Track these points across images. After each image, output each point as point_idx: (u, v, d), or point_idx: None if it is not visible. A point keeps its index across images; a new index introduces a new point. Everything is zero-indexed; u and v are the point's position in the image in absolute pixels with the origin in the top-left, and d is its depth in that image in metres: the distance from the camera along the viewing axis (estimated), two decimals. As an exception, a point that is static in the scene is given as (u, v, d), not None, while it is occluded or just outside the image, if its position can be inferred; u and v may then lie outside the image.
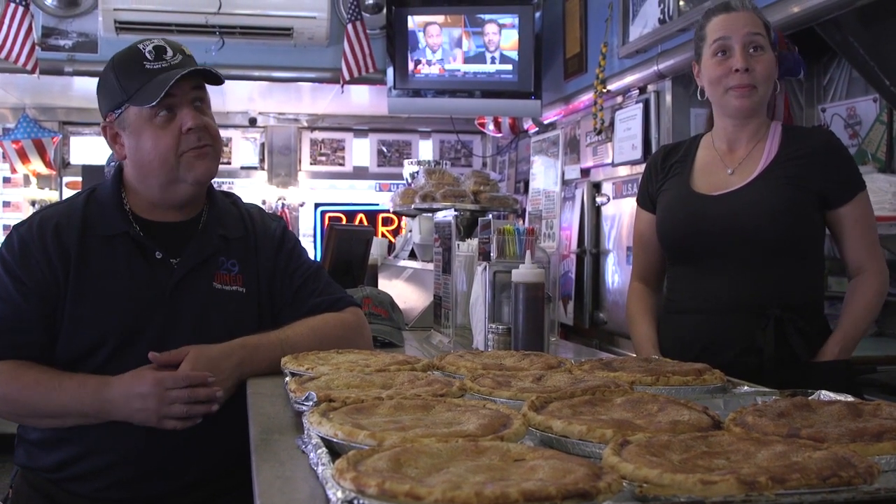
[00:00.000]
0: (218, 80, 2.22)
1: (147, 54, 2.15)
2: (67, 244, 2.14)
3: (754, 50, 2.39)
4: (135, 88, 2.13)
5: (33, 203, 7.15)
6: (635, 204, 2.76)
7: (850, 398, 1.53)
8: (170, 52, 2.17)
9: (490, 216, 2.71)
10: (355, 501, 0.96)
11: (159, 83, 2.11)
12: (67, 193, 7.26)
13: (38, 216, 2.23)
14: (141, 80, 2.13)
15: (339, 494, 0.98)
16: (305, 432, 1.33)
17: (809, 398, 1.54)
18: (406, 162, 5.30)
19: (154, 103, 2.10)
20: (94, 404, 2.03)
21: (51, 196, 7.22)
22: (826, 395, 1.59)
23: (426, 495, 0.93)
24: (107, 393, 2.01)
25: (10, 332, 2.10)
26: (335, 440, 1.25)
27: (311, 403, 1.49)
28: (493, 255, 2.50)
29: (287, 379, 1.81)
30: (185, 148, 2.16)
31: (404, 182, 5.35)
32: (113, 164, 2.35)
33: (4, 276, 2.13)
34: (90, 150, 7.38)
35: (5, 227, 7.19)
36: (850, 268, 2.45)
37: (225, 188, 6.00)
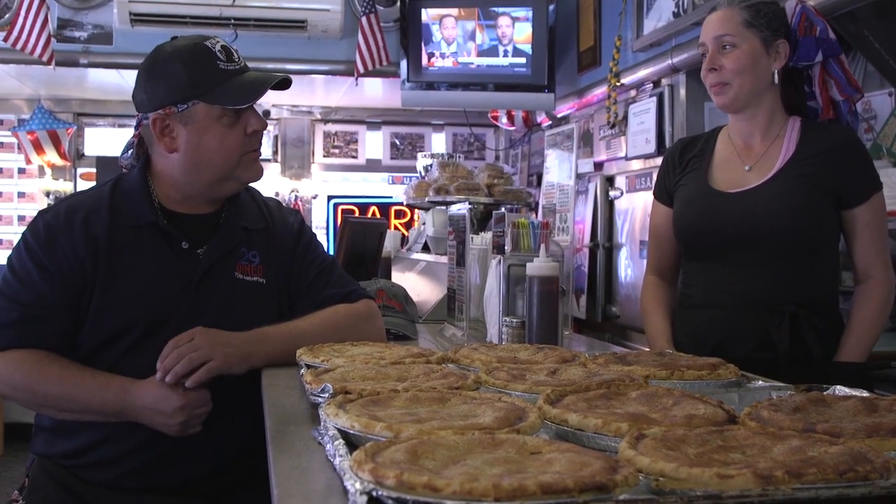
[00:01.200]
0: (288, 86, 2.31)
1: (218, 53, 2.18)
2: (96, 233, 2.16)
3: (723, 49, 2.45)
4: (210, 86, 2.15)
5: (48, 193, 7.18)
6: (649, 198, 2.76)
7: (865, 393, 1.53)
8: (235, 55, 2.23)
9: (504, 209, 2.71)
10: (373, 493, 0.96)
11: (246, 86, 2.18)
12: (81, 184, 7.29)
13: (66, 204, 2.24)
14: (216, 79, 2.16)
15: (358, 486, 0.98)
16: (322, 424, 1.34)
17: (825, 393, 1.54)
18: (419, 155, 5.31)
19: (243, 106, 2.18)
20: (115, 406, 2.07)
21: (65, 187, 7.25)
22: (841, 390, 1.58)
23: (444, 487, 0.94)
24: (130, 399, 2.05)
25: (33, 319, 2.11)
26: (352, 432, 1.26)
27: (327, 395, 1.50)
28: (508, 248, 2.51)
29: (302, 371, 1.82)
30: (247, 149, 2.23)
31: (417, 175, 5.36)
32: (129, 154, 2.35)
33: (29, 262, 2.14)
34: (104, 141, 7.41)
35: (20, 217, 7.23)
36: (857, 271, 2.45)
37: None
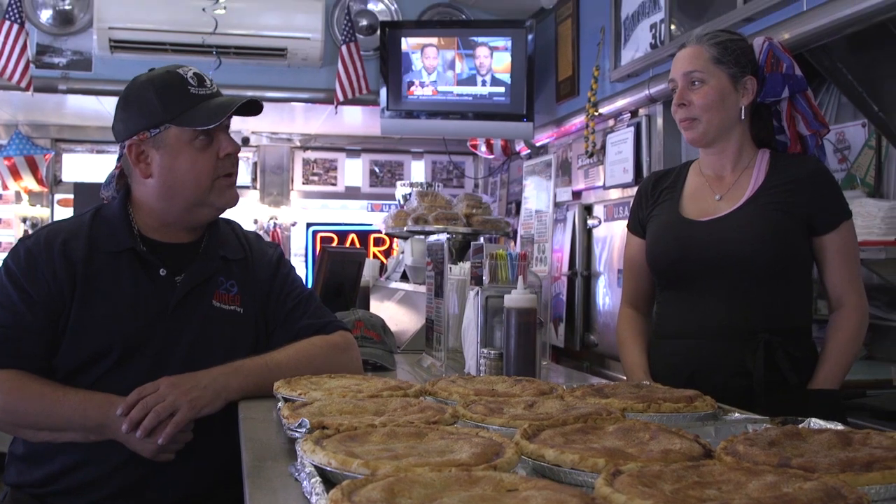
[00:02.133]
0: (259, 111, 2.31)
1: (190, 79, 2.23)
2: (74, 259, 2.18)
3: (692, 85, 2.49)
4: (180, 110, 2.19)
5: (24, 220, 7.15)
6: (626, 228, 2.78)
7: (840, 426, 1.54)
8: (207, 81, 2.27)
9: (482, 239, 2.72)
10: (350, 532, 0.96)
11: (213, 108, 2.21)
12: (59, 211, 7.26)
13: (45, 230, 2.28)
14: (186, 103, 2.20)
15: (334, 525, 0.98)
16: (299, 460, 1.34)
17: (800, 426, 1.55)
18: (398, 183, 5.31)
19: (210, 127, 2.19)
20: (96, 421, 2.06)
21: (42, 213, 7.22)
22: (816, 423, 1.60)
23: (420, 527, 0.94)
24: (112, 414, 2.03)
25: (14, 341, 2.13)
26: (329, 469, 1.25)
27: (304, 430, 1.50)
28: (486, 279, 2.51)
29: (280, 404, 1.81)
30: (220, 172, 2.25)
31: (396, 203, 5.36)
32: (110, 184, 2.37)
33: (10, 287, 2.16)
34: (82, 167, 7.40)
35: (-3, 244, 7.19)
36: (830, 298, 2.47)
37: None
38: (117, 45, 5.44)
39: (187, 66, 2.28)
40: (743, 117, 2.50)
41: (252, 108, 2.29)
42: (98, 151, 7.45)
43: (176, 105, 2.19)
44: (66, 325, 2.15)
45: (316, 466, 1.27)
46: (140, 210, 2.29)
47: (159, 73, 2.25)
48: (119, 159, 2.34)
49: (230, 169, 2.28)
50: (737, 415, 1.78)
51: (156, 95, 2.20)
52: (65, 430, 2.10)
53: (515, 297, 2.30)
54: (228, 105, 2.22)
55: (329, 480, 1.22)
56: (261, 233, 7.04)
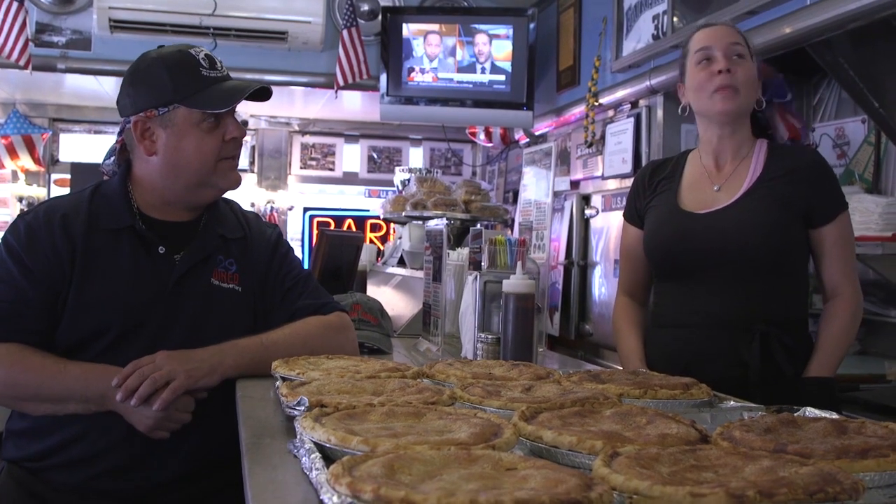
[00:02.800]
0: (268, 97, 2.35)
1: (202, 61, 2.24)
2: (74, 234, 2.19)
3: (737, 57, 2.46)
4: (191, 91, 2.20)
5: (21, 199, 7.13)
6: (623, 218, 2.79)
7: (834, 415, 1.55)
8: (218, 64, 2.29)
9: (480, 226, 2.73)
10: (350, 506, 0.97)
11: (225, 92, 2.23)
12: (55, 190, 7.24)
13: (45, 206, 2.28)
14: (197, 84, 2.21)
15: (335, 499, 0.99)
16: (298, 437, 1.34)
17: (795, 414, 1.56)
18: (397, 169, 5.32)
19: (222, 111, 2.21)
20: (98, 390, 2.07)
21: (39, 192, 7.20)
22: (811, 411, 1.61)
23: (421, 501, 0.94)
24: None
25: (15, 315, 2.13)
26: (328, 445, 1.26)
27: (302, 408, 1.50)
28: (485, 264, 2.52)
29: (278, 383, 1.82)
30: (224, 155, 2.27)
31: (394, 189, 5.36)
32: (111, 161, 2.38)
33: (10, 261, 2.17)
34: (79, 147, 7.38)
35: (-7, 222, 7.18)
36: (825, 289, 2.48)
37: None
38: (117, 25, 5.42)
39: (198, 47, 2.29)
40: (762, 105, 2.52)
41: (261, 94, 2.31)
42: (96, 132, 7.43)
43: (187, 86, 2.20)
44: (66, 301, 2.15)
45: (315, 443, 1.28)
46: (140, 187, 2.30)
47: (171, 52, 2.25)
48: (120, 133, 2.33)
49: (234, 152, 2.29)
50: (732, 402, 1.79)
51: (168, 74, 2.20)
52: (66, 402, 2.11)
53: (514, 283, 2.31)
54: (240, 90, 2.24)
55: (328, 457, 1.23)
56: (258, 216, 7.03)
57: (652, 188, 2.66)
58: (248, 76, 5.85)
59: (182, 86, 2.20)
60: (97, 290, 2.17)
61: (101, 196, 2.30)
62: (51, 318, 2.15)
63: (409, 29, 5.78)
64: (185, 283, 2.25)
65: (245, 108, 7.26)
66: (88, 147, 7.36)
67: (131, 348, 2.12)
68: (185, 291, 2.24)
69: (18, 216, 2.30)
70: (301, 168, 7.85)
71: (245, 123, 7.45)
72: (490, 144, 6.95)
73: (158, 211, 2.30)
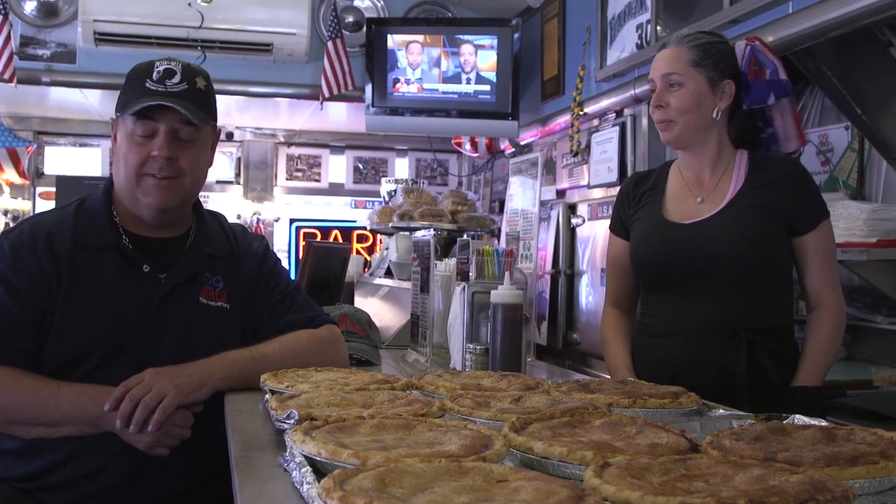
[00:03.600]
0: (194, 125, 2.21)
1: (154, 73, 2.19)
2: (59, 253, 2.17)
3: (671, 87, 2.50)
4: (130, 100, 2.19)
5: (6, 213, 7.09)
6: (608, 229, 2.80)
7: (823, 422, 1.56)
8: (176, 79, 2.20)
9: (467, 236, 2.73)
10: (342, 520, 0.97)
11: (141, 101, 2.16)
12: (41, 203, 7.21)
13: (29, 224, 2.25)
14: (137, 94, 2.18)
15: (327, 513, 0.99)
16: (288, 450, 1.34)
17: (784, 422, 1.56)
18: (384, 180, 5.32)
19: (123, 115, 2.18)
20: (93, 412, 2.05)
21: (24, 206, 7.16)
22: (800, 419, 1.61)
23: (413, 515, 0.94)
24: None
25: (3, 336, 2.10)
26: (318, 458, 1.26)
27: (292, 421, 1.50)
28: (472, 275, 2.52)
29: (267, 396, 1.81)
30: (147, 171, 2.19)
31: (380, 199, 5.37)
32: None
33: None
34: (65, 160, 7.34)
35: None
36: (809, 298, 2.50)
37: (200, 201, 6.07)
38: (102, 38, 5.41)
39: (169, 60, 2.24)
40: (717, 118, 2.51)
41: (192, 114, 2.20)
42: (81, 144, 7.40)
43: (129, 95, 2.20)
44: (52, 322, 2.13)
45: (306, 456, 1.27)
46: (119, 204, 2.29)
47: (143, 62, 2.26)
48: None
49: (157, 171, 2.18)
50: (721, 411, 1.80)
51: (126, 82, 2.24)
52: (60, 425, 2.09)
53: (502, 293, 2.31)
54: (155, 103, 2.15)
55: (318, 471, 1.23)
56: (244, 228, 7.01)
57: (636, 200, 2.68)
58: (233, 88, 5.88)
59: (127, 94, 2.21)
60: (82, 310, 2.14)
61: (85, 212, 2.27)
62: (37, 339, 2.13)
63: (393, 40, 5.79)
64: (172, 302, 2.23)
65: (230, 121, 7.26)
66: (74, 160, 7.33)
67: (119, 368, 2.09)
68: (172, 310, 2.22)
69: (2, 235, 2.26)
70: (287, 179, 7.84)
71: (230, 135, 7.45)
72: (476, 154, 6.96)
73: (138, 228, 2.28)
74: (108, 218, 2.25)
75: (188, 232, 2.34)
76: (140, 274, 2.22)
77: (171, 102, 2.16)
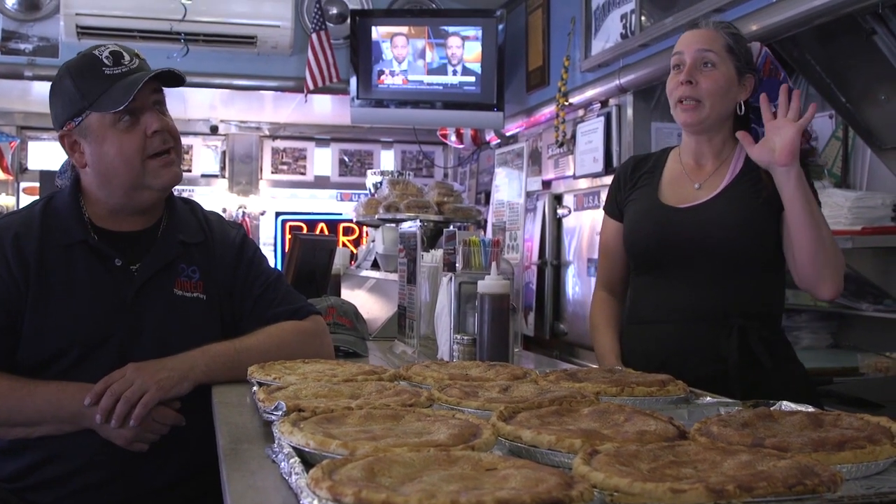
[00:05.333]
0: (181, 81, 2.21)
1: (105, 60, 2.14)
2: (27, 253, 2.13)
3: (704, 66, 2.43)
4: (97, 94, 2.12)
5: (-11, 208, 7.07)
6: (597, 216, 2.80)
7: (810, 408, 1.56)
8: (127, 57, 2.17)
9: (454, 227, 2.72)
10: (332, 510, 0.97)
11: (125, 87, 2.10)
12: (25, 199, 7.18)
13: None
14: (102, 85, 2.12)
15: (316, 503, 0.98)
16: (276, 442, 1.34)
17: (771, 409, 1.57)
18: (369, 172, 5.31)
19: (121, 108, 2.09)
20: (71, 409, 2.03)
21: (8, 201, 7.13)
22: (787, 405, 1.62)
23: (402, 504, 0.94)
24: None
25: None
26: (307, 449, 1.25)
27: (280, 413, 1.50)
28: (459, 266, 2.51)
29: (254, 388, 1.81)
30: (150, 151, 2.16)
31: (366, 192, 5.36)
32: (65, 173, 2.33)
33: None
34: (48, 155, 7.32)
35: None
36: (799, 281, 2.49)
37: (185, 196, 6.05)
38: (84, 32, 5.37)
39: (105, 45, 2.19)
40: (740, 112, 2.48)
41: (175, 79, 2.20)
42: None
43: (92, 89, 2.12)
44: (23, 324, 2.10)
45: (294, 447, 1.27)
46: (89, 199, 2.24)
47: (76, 58, 2.19)
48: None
49: (160, 147, 2.17)
50: (709, 398, 1.80)
51: (72, 82, 2.14)
52: (39, 424, 2.07)
53: (489, 283, 2.31)
54: (139, 80, 2.11)
55: (307, 462, 1.22)
56: (229, 222, 7.01)
57: (633, 182, 2.65)
58: (217, 81, 5.87)
59: (87, 91, 2.13)
60: (55, 309, 2.11)
61: (53, 210, 2.23)
62: (10, 341, 2.10)
63: (378, 32, 5.77)
64: (147, 295, 2.19)
65: (215, 114, 7.23)
66: (57, 155, 7.27)
67: (97, 365, 2.07)
68: (147, 304, 2.19)
69: None
70: (272, 173, 7.83)
71: (215, 129, 7.42)
72: (461, 146, 6.95)
73: (110, 221, 2.24)
74: (76, 214, 2.21)
75: (159, 222, 2.30)
76: (112, 268, 2.18)
77: (153, 72, 2.14)
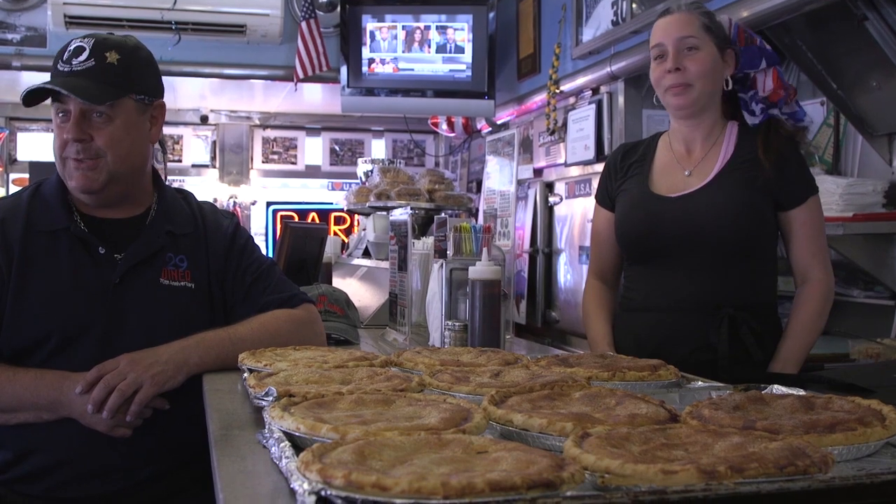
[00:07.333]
0: (97, 102, 2.13)
1: (66, 53, 2.15)
2: (11, 239, 2.13)
3: (688, 50, 2.44)
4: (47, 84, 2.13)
5: (-22, 199, 7.02)
6: (588, 204, 2.79)
7: (801, 392, 1.56)
8: (83, 56, 2.12)
9: (445, 215, 2.72)
10: (322, 492, 0.96)
11: (40, 89, 2.12)
12: (14, 190, 7.13)
13: None
14: (51, 78, 2.15)
15: (306, 486, 0.98)
16: (266, 427, 1.33)
17: (763, 392, 1.57)
18: (360, 160, 5.30)
19: (27, 106, 2.15)
20: (49, 397, 2.02)
21: (-4, 192, 7.10)
22: (779, 389, 1.62)
23: (392, 486, 0.94)
24: (66, 389, 2.00)
25: None
26: (297, 434, 1.25)
27: (271, 398, 1.49)
28: (450, 252, 2.51)
29: (245, 375, 1.80)
30: (67, 154, 2.15)
31: (357, 181, 5.35)
32: None
33: None
34: (37, 146, 7.28)
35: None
36: (796, 273, 2.49)
37: (176, 186, 6.02)
38: (72, 21, 5.33)
39: (86, 37, 2.17)
40: (729, 87, 2.50)
41: (92, 99, 2.11)
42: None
43: (50, 79, 2.15)
44: (5, 309, 2.09)
45: (284, 432, 1.26)
46: None
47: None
48: None
49: (74, 154, 2.13)
50: (700, 383, 1.80)
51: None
52: (16, 411, 2.06)
53: (480, 269, 2.31)
54: (43, 90, 2.11)
55: (297, 446, 1.22)
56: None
57: (623, 171, 2.66)
58: (207, 70, 5.84)
59: (51, 77, 2.16)
60: (35, 296, 2.11)
61: (40, 197, 2.23)
62: None
63: (368, 20, 5.75)
64: (131, 284, 2.18)
65: (205, 104, 7.20)
66: (47, 145, 7.23)
67: (79, 353, 2.07)
68: (130, 292, 2.17)
69: None
70: (263, 162, 7.80)
71: (205, 118, 7.39)
72: (452, 134, 6.94)
73: (96, 209, 2.24)
74: (62, 200, 2.20)
75: (148, 211, 2.30)
76: (96, 256, 2.17)
77: (66, 85, 2.08)
